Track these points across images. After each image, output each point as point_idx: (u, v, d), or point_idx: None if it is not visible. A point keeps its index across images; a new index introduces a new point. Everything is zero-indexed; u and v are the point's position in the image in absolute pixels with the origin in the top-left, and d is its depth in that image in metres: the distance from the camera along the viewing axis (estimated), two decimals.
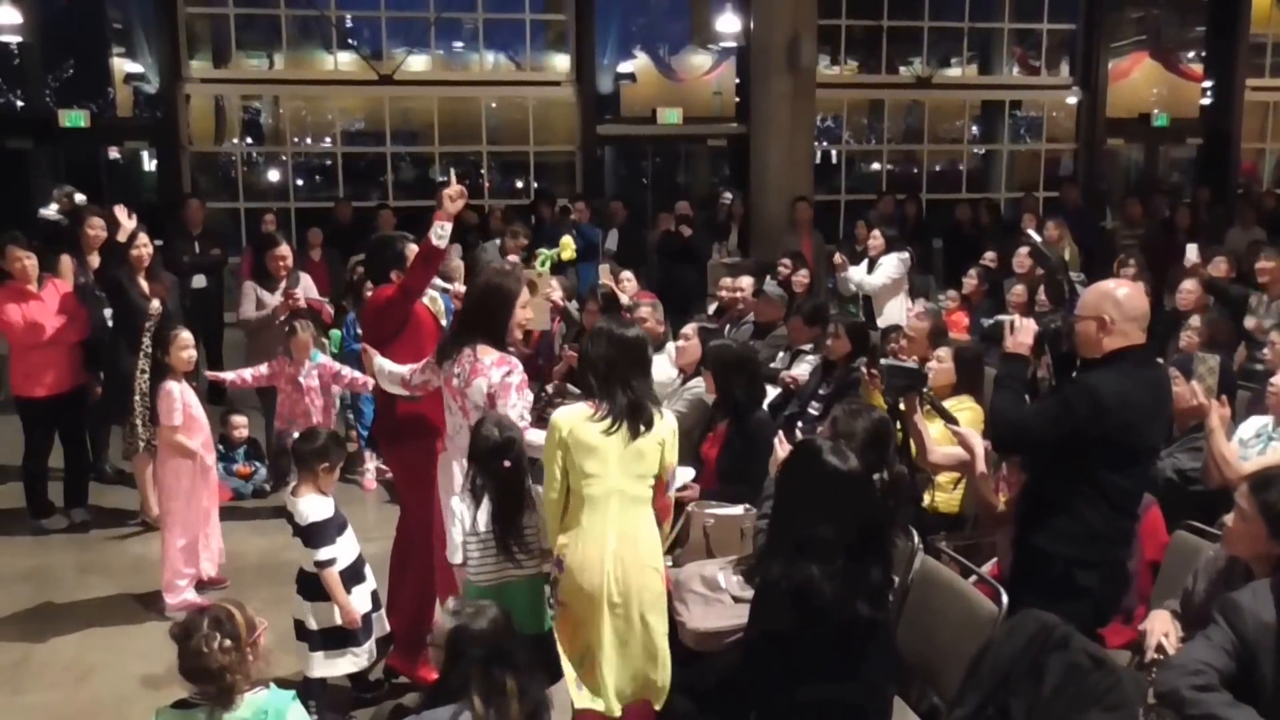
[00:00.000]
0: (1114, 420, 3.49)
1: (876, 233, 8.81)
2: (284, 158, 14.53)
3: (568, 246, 6.84)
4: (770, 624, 3.19)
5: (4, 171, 12.29)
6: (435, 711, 2.98)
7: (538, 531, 3.81)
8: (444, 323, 5.06)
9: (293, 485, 4.36)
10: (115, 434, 6.85)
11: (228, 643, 2.86)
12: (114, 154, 14.63)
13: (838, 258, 9.04)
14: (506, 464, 3.75)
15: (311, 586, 4.24)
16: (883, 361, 4.68)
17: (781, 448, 3.82)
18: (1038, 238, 8.69)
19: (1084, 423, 3.49)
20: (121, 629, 5.28)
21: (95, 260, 6.75)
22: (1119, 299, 3.60)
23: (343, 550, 4.27)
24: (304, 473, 4.30)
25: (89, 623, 5.34)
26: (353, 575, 4.29)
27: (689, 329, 5.63)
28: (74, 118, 12.62)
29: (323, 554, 4.18)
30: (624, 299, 7.66)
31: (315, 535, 4.20)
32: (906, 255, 8.59)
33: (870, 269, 8.56)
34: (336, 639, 4.25)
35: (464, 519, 3.78)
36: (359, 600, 4.27)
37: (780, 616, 3.10)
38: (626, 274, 8.07)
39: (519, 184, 15.18)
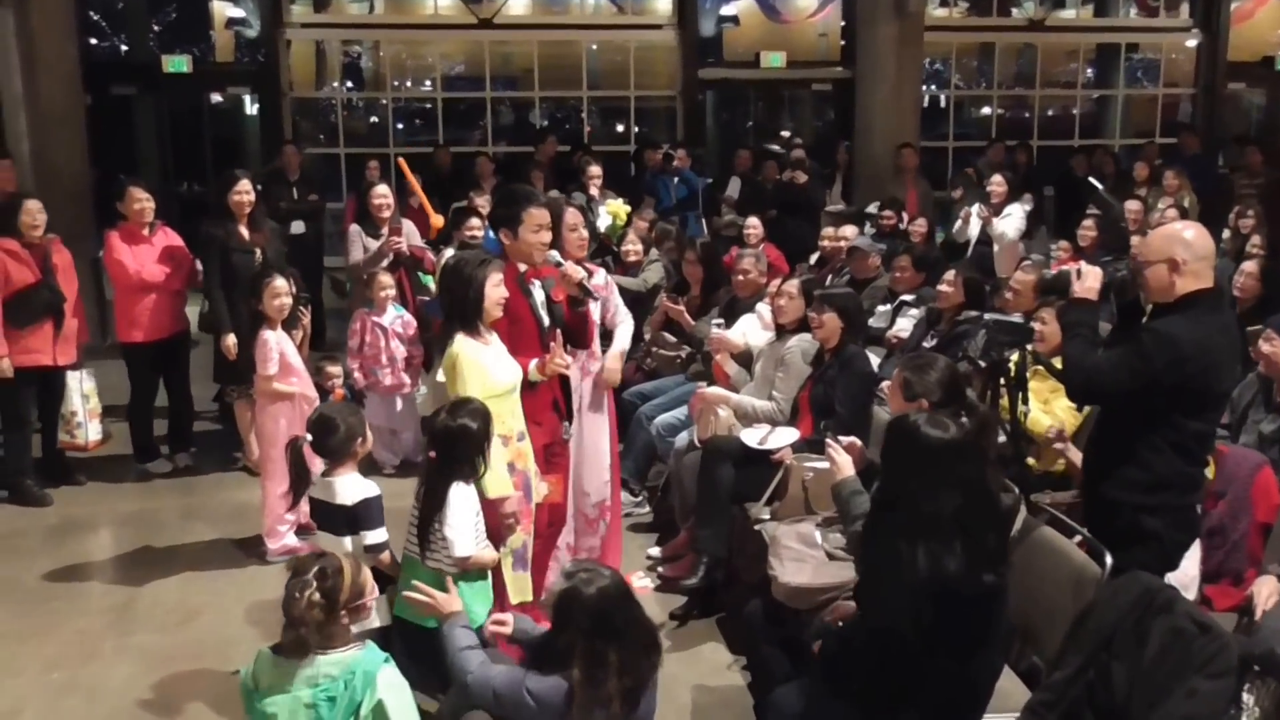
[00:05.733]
0: (1193, 368, 3.42)
1: (999, 178, 8.57)
2: (384, 102, 14.67)
3: (618, 213, 6.75)
4: (895, 617, 3.06)
5: (110, 118, 12.53)
6: (539, 681, 2.97)
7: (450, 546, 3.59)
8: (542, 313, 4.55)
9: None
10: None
11: (317, 597, 2.82)
12: (216, 99, 14.84)
13: (958, 192, 8.82)
14: (430, 455, 3.70)
15: None
16: (987, 316, 4.57)
17: (836, 453, 3.77)
18: (1100, 186, 8.39)
19: (1162, 371, 3.41)
20: (224, 573, 5.42)
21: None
22: (1187, 239, 3.51)
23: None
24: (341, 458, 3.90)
25: (192, 566, 5.49)
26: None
27: (792, 286, 5.53)
28: (177, 63, 12.83)
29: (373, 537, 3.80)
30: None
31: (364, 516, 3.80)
32: (1030, 204, 8.40)
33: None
34: None
35: None
36: None
37: (906, 609, 3.00)
38: (753, 221, 7.98)
39: (619, 128, 15.08)
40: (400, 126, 14.83)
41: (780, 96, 15.80)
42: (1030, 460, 4.83)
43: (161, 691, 4.35)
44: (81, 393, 6.58)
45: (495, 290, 4.01)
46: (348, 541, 3.74)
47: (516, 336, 4.26)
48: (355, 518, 3.75)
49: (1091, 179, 8.65)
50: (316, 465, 3.91)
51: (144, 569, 5.51)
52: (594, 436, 5.04)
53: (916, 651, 3.02)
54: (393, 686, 2.89)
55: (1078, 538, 3.82)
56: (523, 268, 4.43)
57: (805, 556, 4.01)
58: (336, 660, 2.87)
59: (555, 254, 4.51)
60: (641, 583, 5.16)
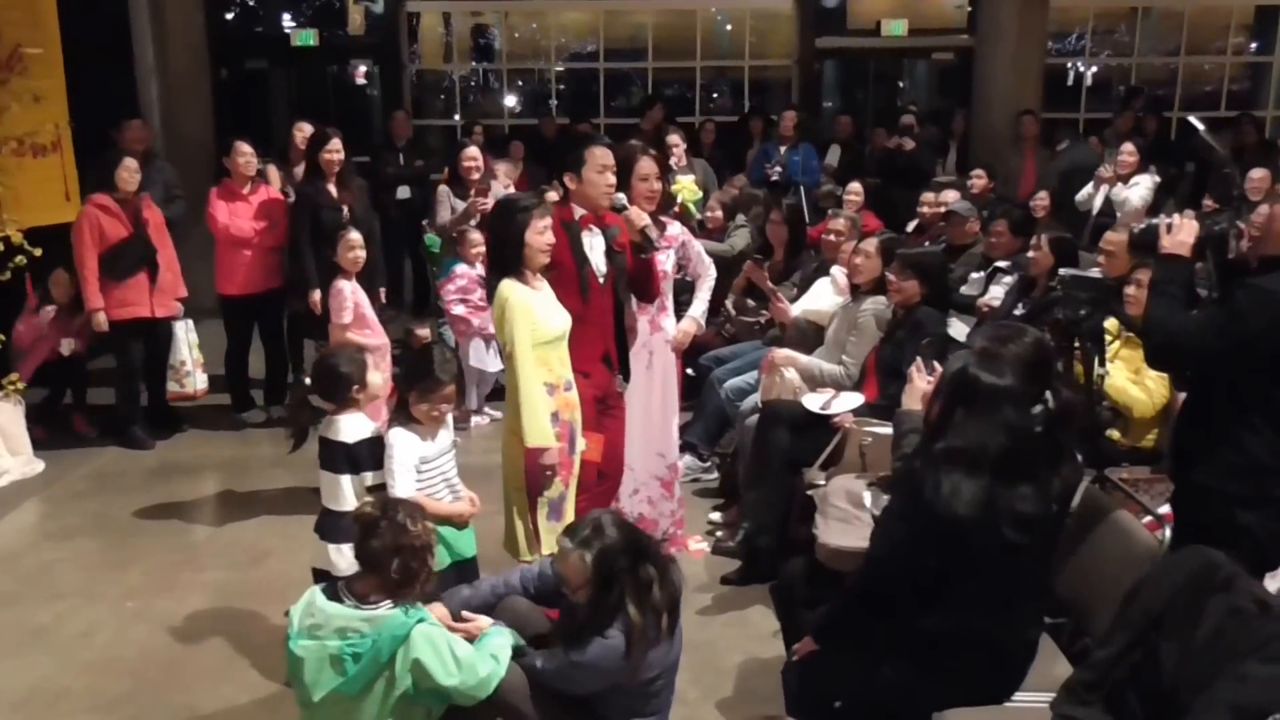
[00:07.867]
0: None
1: (1129, 146, 8.16)
2: (504, 76, 14.82)
3: (687, 187, 6.62)
4: (899, 534, 2.99)
5: (244, 90, 13.22)
6: (584, 654, 3.00)
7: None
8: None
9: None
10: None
11: (428, 524, 2.93)
12: (360, 80, 15.04)
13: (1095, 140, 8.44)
14: None
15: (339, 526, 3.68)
16: (1062, 271, 4.31)
17: (919, 377, 3.52)
18: (1201, 126, 7.80)
19: (1259, 333, 3.07)
20: (297, 518, 5.49)
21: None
22: None
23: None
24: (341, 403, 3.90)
25: (269, 510, 5.73)
26: None
27: (870, 245, 5.34)
28: (304, 37, 13.26)
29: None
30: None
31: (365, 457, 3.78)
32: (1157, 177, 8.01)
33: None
34: None
35: None
36: None
37: (913, 527, 2.93)
38: (854, 186, 7.79)
39: (735, 99, 14.85)
40: (521, 101, 14.93)
41: (900, 66, 15.31)
42: (1115, 434, 4.59)
43: (222, 625, 4.54)
44: (188, 342, 6.84)
45: (539, 237, 3.86)
46: (345, 480, 3.74)
47: (553, 280, 4.09)
48: (356, 457, 3.74)
49: (1191, 118, 8.03)
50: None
51: (225, 511, 5.80)
52: (664, 395, 4.97)
53: (916, 599, 2.93)
54: (430, 641, 2.87)
55: (1148, 519, 3.60)
56: (579, 213, 4.26)
57: (851, 518, 3.86)
58: (370, 616, 2.85)
59: (622, 197, 4.37)
60: (698, 546, 5.11)
